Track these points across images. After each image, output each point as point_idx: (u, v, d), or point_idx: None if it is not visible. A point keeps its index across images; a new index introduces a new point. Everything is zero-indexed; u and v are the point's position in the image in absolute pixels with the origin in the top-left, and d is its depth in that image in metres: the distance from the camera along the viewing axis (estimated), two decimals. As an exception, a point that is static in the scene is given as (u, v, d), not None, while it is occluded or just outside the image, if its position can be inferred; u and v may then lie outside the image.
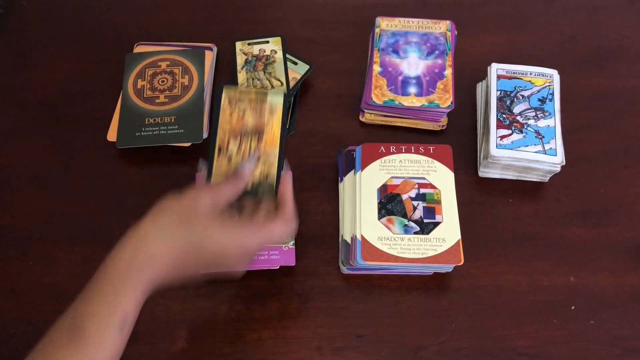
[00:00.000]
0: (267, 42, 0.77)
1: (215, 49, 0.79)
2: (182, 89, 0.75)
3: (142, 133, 0.72)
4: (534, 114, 0.70)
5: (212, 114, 0.54)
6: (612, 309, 0.64)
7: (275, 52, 0.75)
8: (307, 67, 0.76)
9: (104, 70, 0.79)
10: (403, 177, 0.67)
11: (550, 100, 0.71)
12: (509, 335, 0.63)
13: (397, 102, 0.72)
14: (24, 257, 0.67)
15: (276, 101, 0.53)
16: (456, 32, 0.78)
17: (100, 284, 0.44)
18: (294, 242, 0.65)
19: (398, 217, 0.64)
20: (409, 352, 0.62)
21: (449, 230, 0.63)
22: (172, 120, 0.72)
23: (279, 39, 0.77)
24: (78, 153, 0.73)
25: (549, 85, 0.71)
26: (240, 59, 0.76)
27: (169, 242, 0.46)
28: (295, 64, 0.77)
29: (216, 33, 0.82)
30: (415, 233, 0.63)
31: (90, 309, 0.42)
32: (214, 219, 0.48)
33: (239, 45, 0.77)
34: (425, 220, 0.64)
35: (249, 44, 0.77)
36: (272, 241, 0.51)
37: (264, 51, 0.76)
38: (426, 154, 0.68)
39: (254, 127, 0.53)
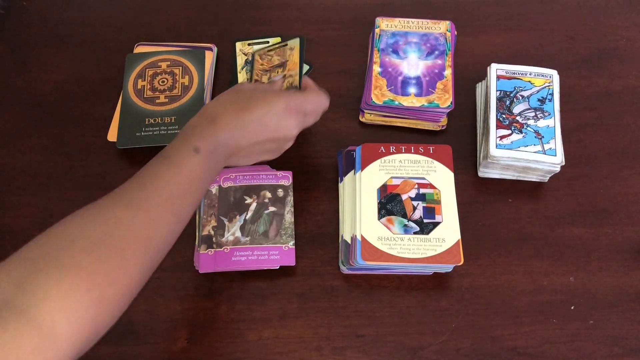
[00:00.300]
0: (267, 42, 0.77)
1: (215, 49, 0.79)
2: (183, 89, 0.75)
3: (143, 133, 0.72)
4: (533, 114, 0.70)
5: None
6: (611, 308, 0.64)
7: (292, 49, 0.75)
8: (307, 67, 0.76)
9: (104, 70, 0.79)
10: (403, 177, 0.67)
11: (550, 100, 0.71)
12: (509, 335, 0.63)
13: (396, 102, 0.72)
14: (24, 257, 0.67)
15: (294, 43, 0.67)
16: (456, 33, 0.78)
17: (176, 136, 0.55)
18: (294, 242, 0.65)
19: (398, 217, 0.64)
20: (408, 351, 0.62)
21: (448, 230, 0.63)
22: (173, 121, 0.72)
23: (278, 39, 0.77)
24: (78, 153, 0.73)
25: (549, 86, 0.72)
26: (240, 60, 0.76)
27: (224, 106, 0.57)
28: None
29: (216, 33, 0.82)
30: (415, 233, 0.63)
31: (170, 145, 0.54)
32: (258, 89, 0.60)
33: (239, 45, 0.77)
34: (425, 220, 0.64)
35: (249, 44, 0.77)
36: (310, 106, 0.61)
37: None
38: (426, 154, 0.68)
39: (279, 62, 0.68)
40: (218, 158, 0.55)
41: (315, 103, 0.62)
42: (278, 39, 0.77)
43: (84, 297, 0.41)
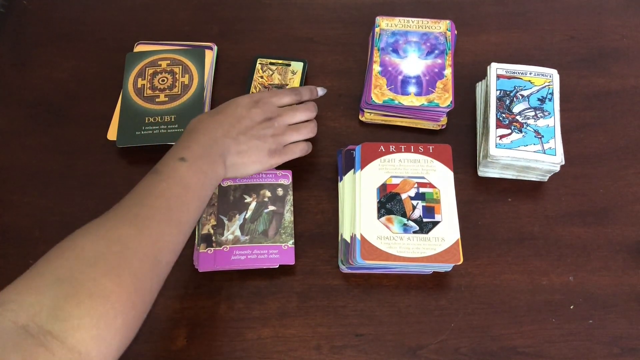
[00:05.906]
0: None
1: (215, 48, 0.79)
2: (182, 88, 0.75)
3: (142, 132, 0.72)
4: (533, 113, 0.70)
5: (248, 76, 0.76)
6: (611, 308, 0.64)
7: (294, 73, 0.76)
8: (301, 63, 0.76)
9: (104, 69, 0.79)
10: (402, 177, 0.67)
11: (550, 100, 0.71)
12: (508, 334, 0.63)
13: (396, 102, 0.72)
14: (24, 257, 0.67)
15: (297, 67, 0.74)
16: (456, 32, 0.78)
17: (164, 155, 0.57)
18: (293, 241, 0.66)
19: (397, 216, 0.64)
20: (408, 351, 0.62)
21: (448, 230, 0.63)
22: (172, 119, 0.72)
23: (301, 63, 0.77)
24: (78, 152, 0.73)
25: (549, 85, 0.72)
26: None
27: (201, 118, 0.62)
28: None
29: (216, 32, 0.82)
30: (415, 232, 0.63)
31: (159, 162, 0.56)
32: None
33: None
34: (425, 220, 0.64)
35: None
36: (265, 95, 0.66)
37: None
38: (425, 153, 0.68)
39: (279, 83, 0.74)
40: (210, 160, 0.57)
41: (271, 95, 0.66)
42: (301, 64, 0.77)
43: (112, 325, 0.44)
